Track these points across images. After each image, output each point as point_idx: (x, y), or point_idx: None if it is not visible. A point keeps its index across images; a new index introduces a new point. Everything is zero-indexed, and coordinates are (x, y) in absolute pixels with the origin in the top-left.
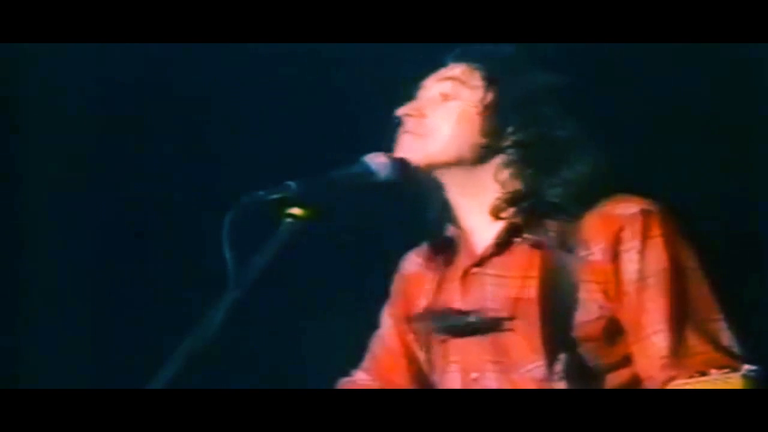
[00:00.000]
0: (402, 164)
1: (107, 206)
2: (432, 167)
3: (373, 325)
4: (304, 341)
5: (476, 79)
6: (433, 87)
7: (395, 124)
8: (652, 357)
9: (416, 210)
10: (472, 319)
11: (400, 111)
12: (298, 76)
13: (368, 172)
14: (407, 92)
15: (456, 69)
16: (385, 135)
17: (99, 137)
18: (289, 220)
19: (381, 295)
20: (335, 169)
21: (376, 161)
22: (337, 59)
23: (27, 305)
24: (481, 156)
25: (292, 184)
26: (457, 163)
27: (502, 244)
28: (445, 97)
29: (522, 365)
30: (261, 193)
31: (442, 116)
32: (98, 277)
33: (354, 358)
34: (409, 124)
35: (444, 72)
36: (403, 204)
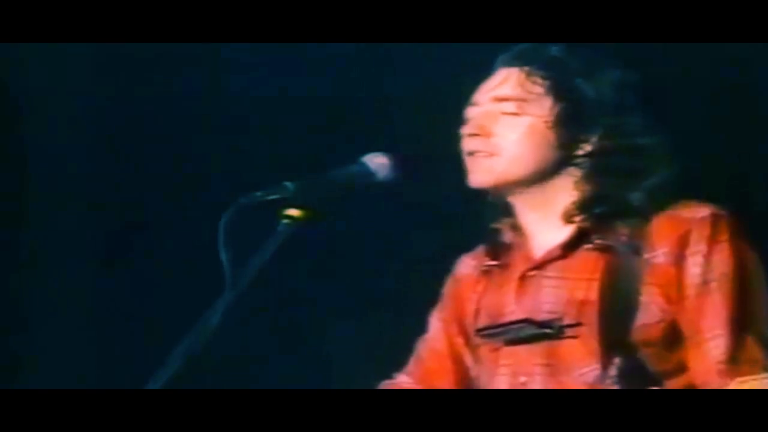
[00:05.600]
0: (402, 164)
1: (106, 206)
2: (503, 187)
3: (371, 327)
4: (300, 342)
5: (539, 88)
6: (491, 102)
7: (393, 124)
8: (708, 362)
9: (415, 212)
10: (528, 329)
11: (465, 130)
12: (296, 76)
13: (367, 173)
14: (406, 92)
15: (510, 77)
16: (384, 135)
17: (98, 137)
18: (286, 221)
19: (379, 298)
20: (334, 169)
21: (376, 161)
22: (335, 59)
23: (27, 306)
24: (554, 169)
25: (289, 184)
26: (529, 179)
27: (569, 248)
28: (510, 113)
29: (575, 368)
30: (258, 194)
31: (509, 134)
32: (97, 277)
33: (353, 359)
34: (474, 143)
35: (498, 81)
36: (402, 205)
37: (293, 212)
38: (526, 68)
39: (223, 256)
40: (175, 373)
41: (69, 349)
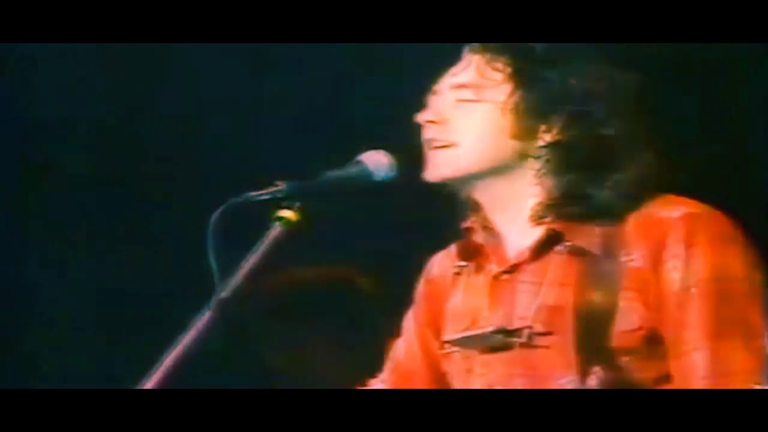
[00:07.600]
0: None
1: (105, 206)
2: (462, 180)
3: (367, 329)
4: (296, 343)
5: (498, 74)
6: (450, 89)
7: (391, 122)
8: (692, 376)
9: (415, 211)
10: (500, 336)
11: (420, 118)
12: (293, 75)
13: (365, 172)
14: (406, 91)
15: (471, 63)
16: (382, 133)
17: (97, 137)
18: (279, 222)
19: (376, 298)
20: (329, 168)
21: (374, 160)
22: (332, 59)
23: (27, 306)
24: (515, 161)
25: (282, 184)
26: (489, 170)
27: (539, 251)
28: (467, 99)
29: (553, 379)
30: (250, 194)
31: (465, 121)
32: (95, 277)
33: (348, 360)
34: (430, 132)
35: (459, 68)
36: (401, 205)
37: (286, 213)
38: (488, 54)
39: (212, 257)
40: (170, 373)
41: (67, 349)
